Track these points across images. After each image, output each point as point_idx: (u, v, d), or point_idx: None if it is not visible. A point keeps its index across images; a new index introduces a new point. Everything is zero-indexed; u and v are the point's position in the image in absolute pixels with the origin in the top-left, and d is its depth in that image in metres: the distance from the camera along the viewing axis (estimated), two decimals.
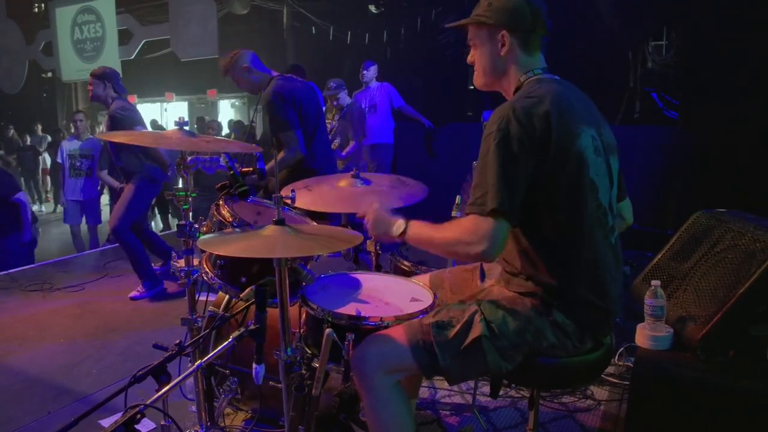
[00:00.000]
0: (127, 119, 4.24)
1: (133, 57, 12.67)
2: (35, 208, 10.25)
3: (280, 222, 1.71)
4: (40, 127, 13.51)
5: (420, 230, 1.66)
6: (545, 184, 1.53)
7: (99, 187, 6.71)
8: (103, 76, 4.34)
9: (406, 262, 2.35)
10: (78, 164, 6.46)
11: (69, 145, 6.54)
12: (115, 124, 4.23)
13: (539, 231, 1.59)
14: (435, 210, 2.31)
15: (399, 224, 1.68)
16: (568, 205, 1.56)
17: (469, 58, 1.77)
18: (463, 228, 1.53)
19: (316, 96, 3.78)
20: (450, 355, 1.57)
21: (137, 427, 1.25)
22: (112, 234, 4.50)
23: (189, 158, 2.11)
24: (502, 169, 1.49)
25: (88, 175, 6.51)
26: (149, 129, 5.44)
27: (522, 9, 1.64)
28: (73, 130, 6.76)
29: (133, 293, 4.30)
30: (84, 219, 6.67)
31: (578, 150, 1.55)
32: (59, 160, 6.74)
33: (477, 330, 1.57)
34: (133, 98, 14.29)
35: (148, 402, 1.30)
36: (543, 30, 1.68)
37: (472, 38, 1.74)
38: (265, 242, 1.69)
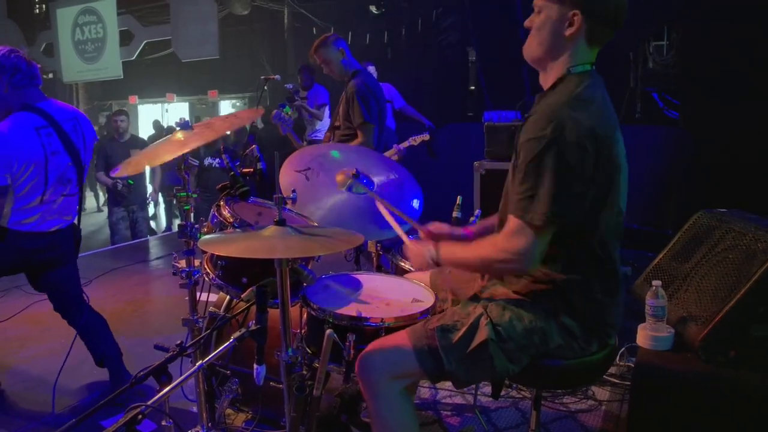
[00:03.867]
0: None
1: (134, 58, 12.67)
2: None
3: (281, 222, 1.72)
4: None
5: (451, 252, 1.64)
6: (595, 195, 1.48)
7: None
8: None
9: (406, 262, 2.35)
10: None
11: None
12: None
13: (569, 237, 1.52)
14: (435, 210, 2.31)
15: (430, 251, 1.66)
16: (607, 212, 1.53)
17: (527, 22, 1.60)
18: (498, 245, 1.50)
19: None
20: (455, 359, 1.55)
21: (138, 427, 1.25)
22: None
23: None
24: (559, 177, 1.40)
25: None
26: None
27: None
28: None
29: None
30: None
31: (617, 157, 1.52)
32: None
33: (483, 334, 1.55)
34: (134, 99, 14.33)
35: (149, 402, 1.30)
36: (618, 26, 1.54)
37: (540, 2, 1.56)
38: (266, 243, 1.69)
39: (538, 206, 1.42)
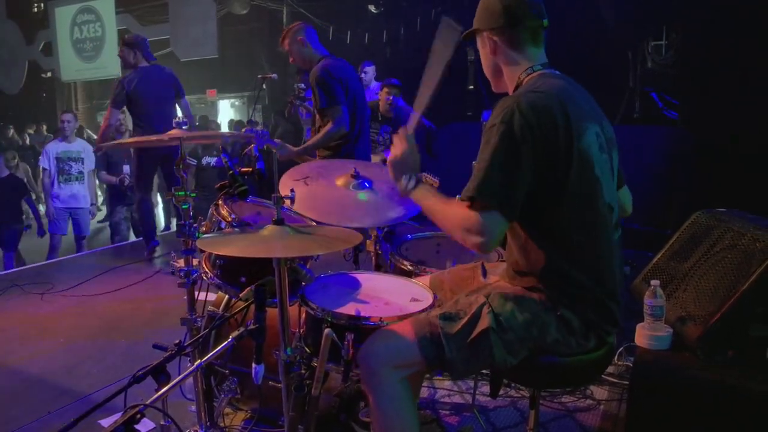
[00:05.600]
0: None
1: None
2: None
3: (279, 222, 1.71)
4: (45, 127, 13.48)
5: (427, 197, 1.67)
6: (551, 182, 1.52)
7: (91, 195, 6.27)
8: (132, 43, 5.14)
9: (406, 262, 2.34)
10: (68, 168, 5.99)
11: (56, 147, 6.01)
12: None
13: (545, 228, 1.58)
14: None
15: (410, 182, 1.69)
16: (574, 203, 1.55)
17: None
18: (464, 214, 1.52)
19: (362, 85, 3.83)
20: (456, 346, 1.56)
21: (137, 427, 1.25)
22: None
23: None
24: (503, 159, 1.48)
25: (79, 180, 6.07)
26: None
27: (493, 7, 1.65)
28: (59, 131, 6.19)
29: None
30: (71, 229, 6.12)
31: (584, 148, 1.54)
32: (45, 165, 6.03)
33: (485, 322, 1.56)
34: None
35: (147, 402, 1.30)
36: (533, 22, 1.65)
37: (477, 46, 1.77)
38: (264, 242, 1.69)
39: (477, 189, 1.48)
